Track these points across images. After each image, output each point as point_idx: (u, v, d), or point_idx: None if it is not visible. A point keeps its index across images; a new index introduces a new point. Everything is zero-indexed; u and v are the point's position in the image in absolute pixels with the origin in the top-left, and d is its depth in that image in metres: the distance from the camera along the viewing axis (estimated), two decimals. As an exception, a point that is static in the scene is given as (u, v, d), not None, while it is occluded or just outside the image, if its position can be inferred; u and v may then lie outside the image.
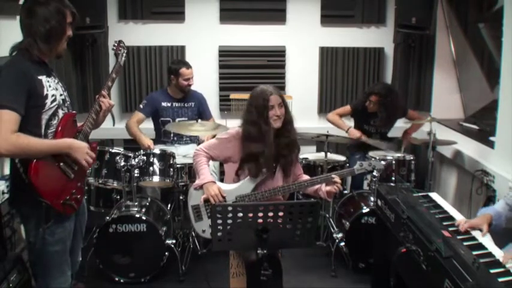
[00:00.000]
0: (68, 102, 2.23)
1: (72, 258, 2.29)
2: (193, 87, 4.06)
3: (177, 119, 3.91)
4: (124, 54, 2.54)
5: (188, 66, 3.86)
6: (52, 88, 2.08)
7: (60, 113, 2.12)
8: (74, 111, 2.26)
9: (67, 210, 2.12)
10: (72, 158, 2.10)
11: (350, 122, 4.21)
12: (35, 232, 2.08)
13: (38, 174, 1.98)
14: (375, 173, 3.19)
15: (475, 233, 2.12)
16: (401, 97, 4.15)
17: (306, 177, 2.71)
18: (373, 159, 3.63)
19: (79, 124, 2.27)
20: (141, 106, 3.94)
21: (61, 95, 2.15)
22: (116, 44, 2.55)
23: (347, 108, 4.09)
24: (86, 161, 2.12)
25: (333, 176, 2.51)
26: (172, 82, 3.89)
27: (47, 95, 2.03)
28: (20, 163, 2.03)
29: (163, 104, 3.91)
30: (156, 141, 3.89)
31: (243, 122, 2.54)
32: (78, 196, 2.19)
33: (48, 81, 2.06)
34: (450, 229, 2.12)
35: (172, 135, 3.92)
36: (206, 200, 2.51)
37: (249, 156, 2.49)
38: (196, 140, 3.96)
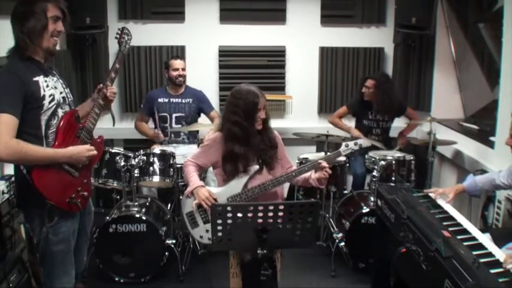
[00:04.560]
0: (70, 99, 2.21)
1: (77, 258, 2.29)
2: (193, 87, 4.07)
3: (174, 115, 3.95)
4: (129, 42, 2.41)
5: (178, 57, 3.98)
6: (50, 87, 2.06)
7: (60, 112, 2.10)
8: (76, 108, 2.24)
9: (72, 208, 2.12)
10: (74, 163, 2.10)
11: (351, 123, 4.24)
12: (39, 231, 2.08)
13: (42, 176, 1.98)
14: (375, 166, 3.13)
15: (468, 226, 2.21)
16: (399, 93, 4.26)
17: (294, 168, 2.67)
18: (373, 159, 3.64)
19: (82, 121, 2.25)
20: (141, 106, 4.16)
21: (61, 93, 2.14)
22: (120, 32, 2.39)
23: (343, 108, 4.21)
24: (89, 157, 2.13)
25: (320, 161, 2.46)
26: (166, 77, 4.03)
27: (44, 95, 2.02)
28: (23, 164, 2.03)
29: (160, 99, 3.97)
30: (155, 141, 3.90)
31: (225, 121, 2.48)
32: (85, 193, 2.18)
33: (45, 81, 2.05)
34: (450, 229, 2.13)
35: (169, 132, 3.95)
36: (199, 206, 2.48)
37: (228, 156, 2.46)
38: (196, 141, 3.97)
